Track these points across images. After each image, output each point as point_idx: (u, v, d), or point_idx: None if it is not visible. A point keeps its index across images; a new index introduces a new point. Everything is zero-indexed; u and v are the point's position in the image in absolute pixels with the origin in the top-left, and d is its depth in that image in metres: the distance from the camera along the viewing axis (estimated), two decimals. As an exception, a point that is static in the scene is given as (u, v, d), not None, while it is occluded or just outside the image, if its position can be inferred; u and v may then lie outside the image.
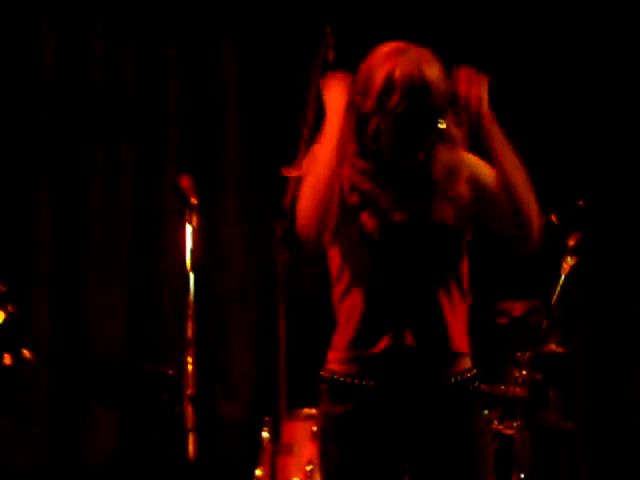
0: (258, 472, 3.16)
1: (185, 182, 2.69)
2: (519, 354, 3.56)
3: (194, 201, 2.66)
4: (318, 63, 3.28)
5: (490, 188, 2.04)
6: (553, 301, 3.56)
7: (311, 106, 3.07)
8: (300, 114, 3.06)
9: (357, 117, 2.05)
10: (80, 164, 3.92)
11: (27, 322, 3.40)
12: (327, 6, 4.19)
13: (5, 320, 2.95)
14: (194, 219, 2.69)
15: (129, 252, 3.95)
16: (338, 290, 2.03)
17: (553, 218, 3.55)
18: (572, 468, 4.18)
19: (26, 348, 3.08)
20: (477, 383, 2.07)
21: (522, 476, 3.49)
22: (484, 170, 2.06)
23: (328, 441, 2.05)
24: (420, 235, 2.01)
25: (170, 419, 3.09)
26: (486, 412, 3.34)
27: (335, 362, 2.02)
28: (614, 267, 4.21)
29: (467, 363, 2.04)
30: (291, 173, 2.66)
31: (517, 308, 3.67)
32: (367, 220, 2.01)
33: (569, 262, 3.53)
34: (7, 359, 3.02)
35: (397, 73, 1.92)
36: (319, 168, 2.01)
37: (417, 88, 1.91)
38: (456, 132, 2.06)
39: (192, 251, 2.68)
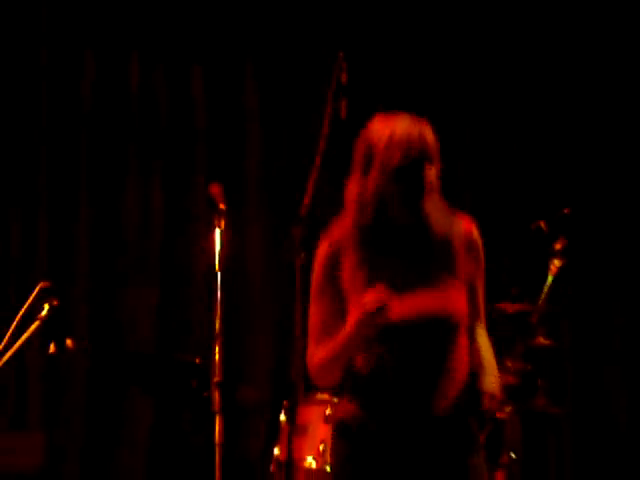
0: (276, 451, 3.36)
1: (215, 189, 2.80)
2: (512, 347, 3.69)
3: (222, 207, 2.78)
4: (332, 84, 3.59)
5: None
6: (541, 300, 3.70)
7: (326, 122, 3.32)
8: (317, 130, 3.31)
9: (362, 185, 2.14)
10: (117, 172, 4.24)
11: (69, 314, 3.68)
12: (341, 31, 4.37)
13: (50, 312, 3.11)
14: (222, 223, 2.82)
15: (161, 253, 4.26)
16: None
17: (542, 225, 3.69)
18: (558, 448, 4.38)
19: (69, 337, 3.29)
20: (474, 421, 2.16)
21: (513, 455, 3.62)
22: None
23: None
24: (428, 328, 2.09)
25: (198, 403, 3.28)
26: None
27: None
28: (596, 269, 4.38)
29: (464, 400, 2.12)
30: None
31: (510, 307, 3.78)
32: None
33: (556, 264, 3.66)
34: (52, 348, 3.24)
35: (397, 133, 2.07)
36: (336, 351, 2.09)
37: (414, 142, 2.06)
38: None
39: (220, 252, 2.81)
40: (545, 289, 3.74)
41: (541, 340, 3.78)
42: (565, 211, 3.71)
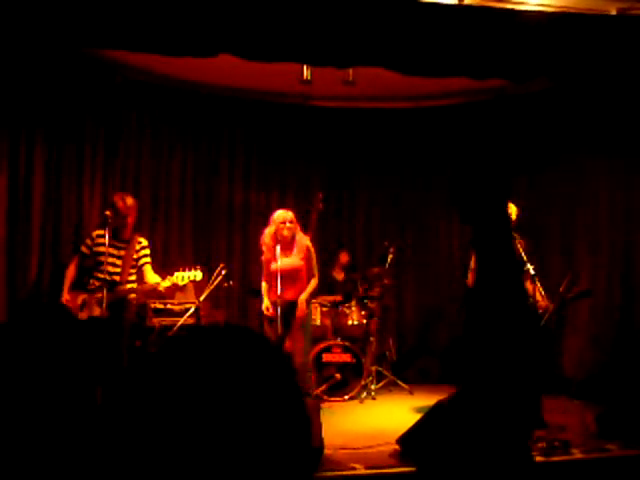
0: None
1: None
2: (377, 286, 8.20)
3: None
4: (315, 208, 8.24)
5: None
6: (386, 266, 8.09)
7: (312, 226, 7.62)
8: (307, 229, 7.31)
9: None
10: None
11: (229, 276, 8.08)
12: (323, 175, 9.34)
13: (224, 275, 7.30)
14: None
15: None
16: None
17: (386, 243, 8.38)
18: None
19: (233, 282, 7.87)
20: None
21: (376, 319, 8.74)
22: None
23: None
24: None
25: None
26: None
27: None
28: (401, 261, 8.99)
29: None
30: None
31: (376, 270, 8.28)
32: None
33: (390, 257, 8.11)
34: (226, 285, 7.35)
35: (274, 217, 6.76)
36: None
37: (282, 218, 6.70)
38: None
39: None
40: (387, 263, 8.11)
41: (387, 281, 8.14)
42: (409, 242, 8.66)
